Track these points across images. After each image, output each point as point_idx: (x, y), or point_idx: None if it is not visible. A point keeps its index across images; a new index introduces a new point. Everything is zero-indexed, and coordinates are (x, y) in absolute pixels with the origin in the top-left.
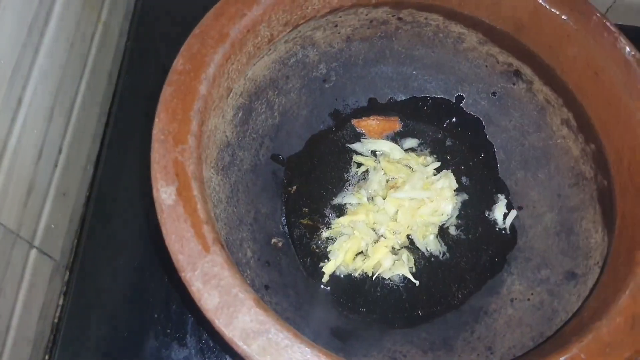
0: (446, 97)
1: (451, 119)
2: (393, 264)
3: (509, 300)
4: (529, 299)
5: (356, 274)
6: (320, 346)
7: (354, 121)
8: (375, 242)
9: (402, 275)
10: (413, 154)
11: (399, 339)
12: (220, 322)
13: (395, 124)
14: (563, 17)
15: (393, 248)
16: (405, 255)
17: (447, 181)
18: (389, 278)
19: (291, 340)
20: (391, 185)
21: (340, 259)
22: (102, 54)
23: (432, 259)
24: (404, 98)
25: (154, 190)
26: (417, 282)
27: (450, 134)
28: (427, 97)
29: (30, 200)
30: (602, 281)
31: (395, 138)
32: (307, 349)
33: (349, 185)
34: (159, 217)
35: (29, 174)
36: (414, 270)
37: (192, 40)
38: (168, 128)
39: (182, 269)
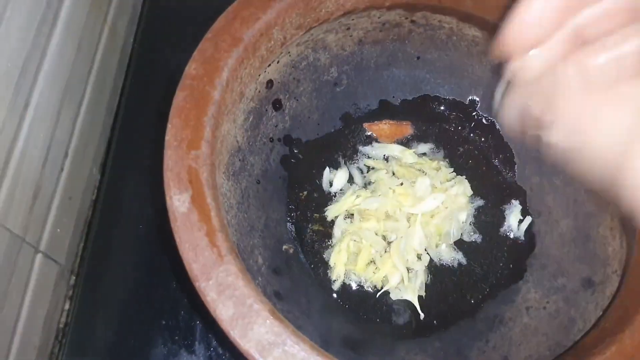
0: (460, 100)
1: (465, 124)
2: (402, 283)
3: (524, 309)
4: (544, 307)
5: (367, 284)
6: (335, 358)
7: (365, 124)
8: (385, 252)
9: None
10: (426, 159)
11: (413, 348)
12: (235, 334)
13: (407, 129)
14: None
15: (407, 268)
16: (420, 280)
17: (462, 187)
18: (395, 300)
19: (308, 353)
20: (401, 192)
21: (340, 264)
22: (108, 57)
23: (446, 266)
24: (416, 96)
25: (167, 198)
26: (422, 315)
27: (463, 138)
28: (439, 97)
29: (36, 204)
30: (623, 290)
31: (408, 143)
32: None
33: (361, 190)
34: (172, 225)
35: (35, 178)
36: (424, 295)
37: (205, 44)
38: (181, 134)
39: (196, 278)
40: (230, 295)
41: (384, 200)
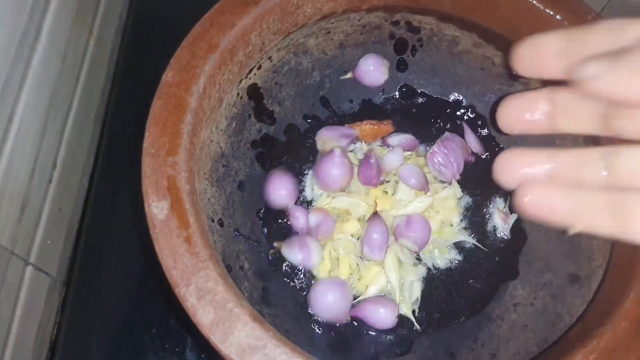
0: (444, 99)
1: (448, 123)
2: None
3: (512, 306)
4: (532, 304)
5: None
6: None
7: (347, 125)
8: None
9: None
10: (413, 155)
11: (401, 348)
12: (215, 338)
13: (389, 128)
14: (557, 17)
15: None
16: (416, 295)
17: (452, 190)
18: None
19: (289, 355)
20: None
21: (325, 272)
22: (94, 68)
23: (438, 270)
24: (399, 91)
25: (146, 206)
26: (418, 327)
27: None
28: (425, 93)
29: (24, 216)
30: (606, 284)
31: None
32: None
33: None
34: (151, 232)
35: (22, 190)
36: (417, 308)
37: (181, 52)
38: (159, 142)
39: (175, 284)
40: (211, 301)
41: (356, 200)
